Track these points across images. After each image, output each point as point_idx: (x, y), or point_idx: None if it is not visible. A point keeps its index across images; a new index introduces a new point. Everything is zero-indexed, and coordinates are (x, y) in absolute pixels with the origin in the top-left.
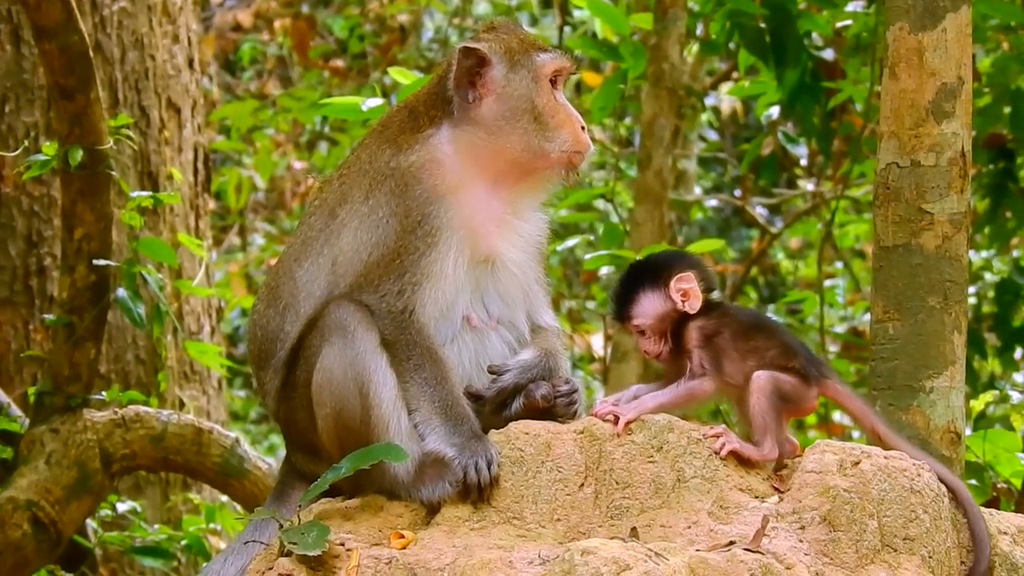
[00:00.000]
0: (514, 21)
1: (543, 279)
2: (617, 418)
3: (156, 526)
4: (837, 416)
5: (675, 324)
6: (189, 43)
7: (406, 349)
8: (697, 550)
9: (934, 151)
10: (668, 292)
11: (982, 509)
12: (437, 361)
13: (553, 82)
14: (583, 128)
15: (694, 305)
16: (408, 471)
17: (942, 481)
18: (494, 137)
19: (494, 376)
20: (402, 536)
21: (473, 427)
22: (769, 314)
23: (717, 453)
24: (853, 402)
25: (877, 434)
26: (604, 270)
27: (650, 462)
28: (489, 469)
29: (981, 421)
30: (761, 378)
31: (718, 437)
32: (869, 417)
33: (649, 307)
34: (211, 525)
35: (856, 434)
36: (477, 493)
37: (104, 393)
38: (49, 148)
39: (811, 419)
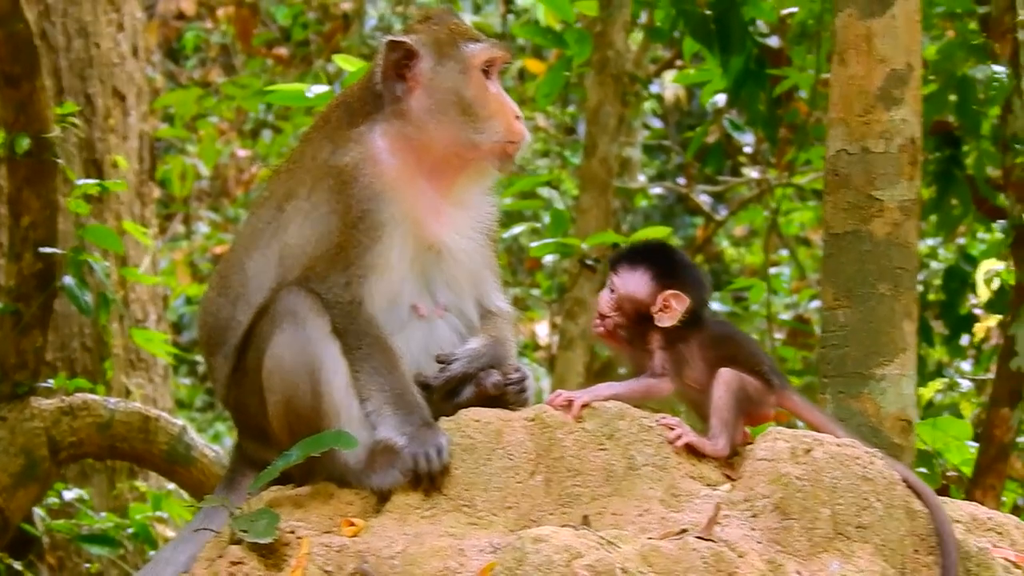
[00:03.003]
0: (450, 11)
1: (493, 264)
2: (570, 403)
3: (103, 514)
4: None
5: (641, 318)
6: (134, 31)
7: (355, 338)
8: (649, 538)
9: (884, 138)
10: (655, 293)
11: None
12: (386, 350)
13: (486, 72)
14: (518, 117)
15: (663, 322)
16: (359, 458)
17: (908, 485)
18: (424, 130)
19: (442, 365)
20: (352, 524)
21: (423, 415)
22: (716, 304)
23: (672, 443)
24: (812, 414)
25: None
26: (549, 258)
27: (601, 450)
28: (440, 457)
29: (929, 409)
30: (727, 374)
31: (672, 429)
32: (829, 428)
33: (632, 285)
34: (158, 513)
35: (801, 424)
36: (428, 481)
37: (51, 381)
38: None
39: None
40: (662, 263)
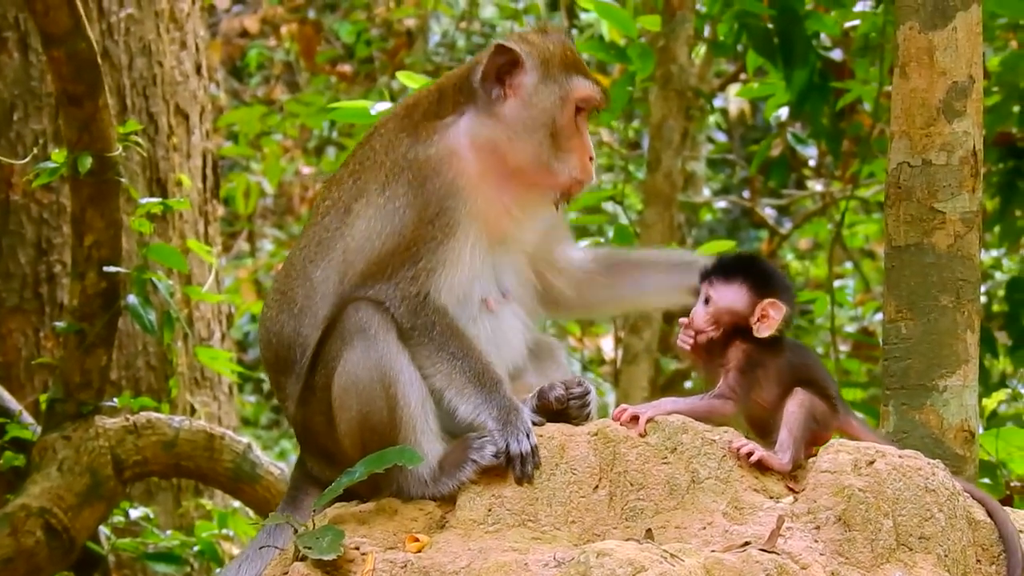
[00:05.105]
0: (567, 33)
1: (563, 221)
2: (635, 418)
3: (168, 532)
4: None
5: (734, 330)
6: (197, 49)
7: (426, 332)
8: (712, 551)
9: (945, 150)
10: (754, 303)
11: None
12: (460, 335)
13: (579, 109)
14: (591, 159)
15: (762, 332)
16: (431, 469)
17: (974, 497)
18: (511, 139)
19: (567, 390)
20: (417, 540)
21: (507, 393)
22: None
23: (745, 458)
24: (870, 438)
25: None
26: None
27: (664, 463)
28: (529, 439)
29: (993, 420)
30: (802, 394)
31: (742, 445)
32: None
33: (730, 297)
34: (223, 531)
35: None
36: (520, 463)
37: (115, 400)
38: (58, 155)
39: None
40: (757, 274)
